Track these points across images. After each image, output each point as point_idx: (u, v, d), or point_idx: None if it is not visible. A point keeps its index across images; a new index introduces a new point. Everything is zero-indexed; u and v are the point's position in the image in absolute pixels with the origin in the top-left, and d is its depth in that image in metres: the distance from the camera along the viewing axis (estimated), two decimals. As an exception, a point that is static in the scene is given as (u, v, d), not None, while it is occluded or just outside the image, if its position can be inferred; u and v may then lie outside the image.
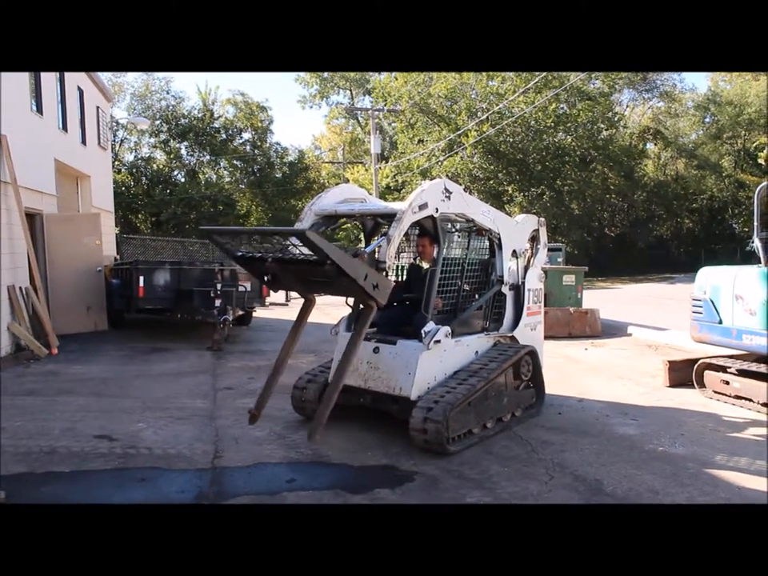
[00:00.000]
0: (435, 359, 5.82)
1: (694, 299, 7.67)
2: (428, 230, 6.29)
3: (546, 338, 11.54)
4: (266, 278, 5.51)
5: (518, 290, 6.95)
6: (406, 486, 4.82)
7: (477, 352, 6.36)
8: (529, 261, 7.21)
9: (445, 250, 6.20)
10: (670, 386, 7.92)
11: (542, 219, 7.45)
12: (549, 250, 22.32)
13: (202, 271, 12.24)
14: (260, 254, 5.43)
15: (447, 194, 5.81)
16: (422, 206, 5.56)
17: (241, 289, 11.54)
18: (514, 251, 6.87)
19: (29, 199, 11.20)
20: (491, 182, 32.52)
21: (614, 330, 12.72)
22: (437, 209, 5.71)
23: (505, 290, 6.78)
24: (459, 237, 6.74)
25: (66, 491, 4.77)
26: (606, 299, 17.54)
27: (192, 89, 60.51)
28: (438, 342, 5.73)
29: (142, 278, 11.53)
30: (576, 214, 34.23)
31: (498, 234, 6.62)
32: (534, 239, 7.30)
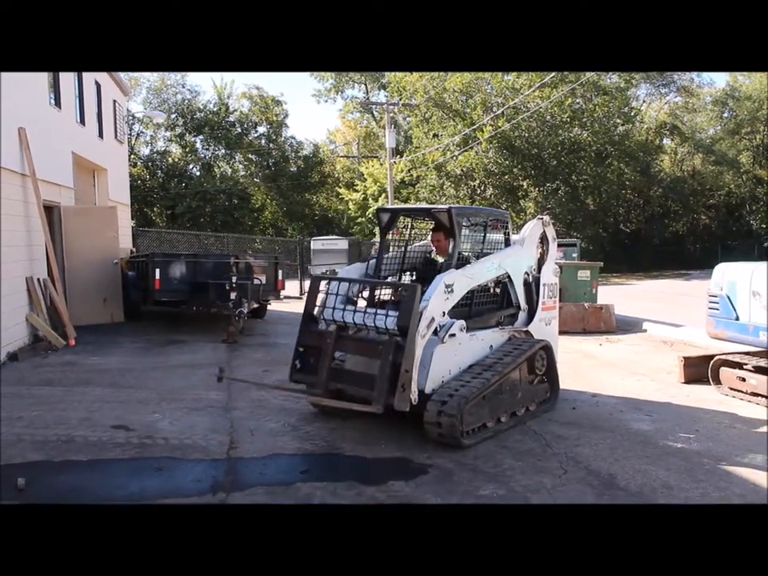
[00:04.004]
0: (450, 353, 5.82)
1: (710, 295, 7.63)
2: (443, 224, 6.31)
3: (561, 333, 11.49)
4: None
5: (530, 286, 6.91)
6: (420, 479, 4.85)
7: (491, 346, 6.36)
8: (542, 257, 7.18)
9: (460, 244, 6.22)
10: (685, 383, 7.89)
11: (546, 218, 7.29)
12: (564, 245, 22.20)
13: (217, 264, 12.28)
14: None
15: (449, 290, 5.74)
16: (430, 324, 5.50)
17: (256, 282, 11.59)
18: (525, 272, 6.85)
19: (47, 192, 11.30)
20: (506, 177, 32.40)
21: (628, 325, 12.66)
22: (443, 312, 5.68)
23: (520, 291, 6.77)
24: (474, 231, 6.74)
25: (84, 479, 4.84)
26: (620, 295, 17.44)
27: (207, 83, 60.71)
28: (453, 335, 5.74)
29: (158, 271, 11.59)
30: (591, 210, 34.04)
31: (508, 274, 6.62)
32: (542, 239, 7.21)
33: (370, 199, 34.33)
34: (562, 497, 4.52)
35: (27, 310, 10.18)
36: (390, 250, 7.08)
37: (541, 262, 7.14)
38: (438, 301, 5.60)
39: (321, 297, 6.05)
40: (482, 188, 33.15)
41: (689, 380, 7.90)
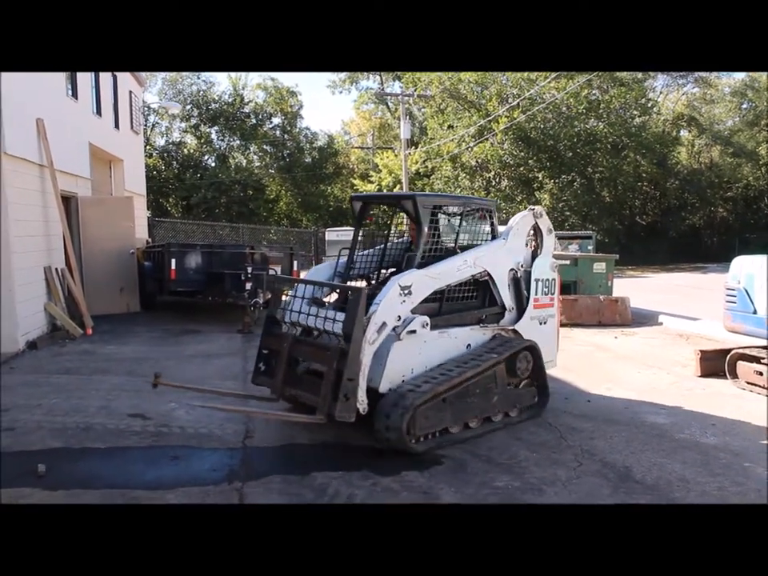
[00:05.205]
0: (412, 350, 5.47)
1: (727, 288, 7.56)
2: (410, 214, 5.97)
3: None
4: None
5: (518, 282, 6.35)
6: (434, 470, 4.87)
7: (469, 345, 5.97)
8: (535, 250, 6.64)
9: (434, 235, 5.91)
10: (701, 376, 7.84)
11: (537, 210, 6.62)
12: (579, 237, 21.94)
13: (232, 254, 12.35)
14: None
15: (406, 292, 5.34)
16: (381, 328, 5.16)
17: (271, 272, 11.63)
18: (512, 269, 6.31)
19: (64, 182, 11.39)
20: (521, 169, 32.21)
21: (644, 318, 12.59)
22: (399, 317, 5.30)
23: (503, 290, 6.27)
24: (450, 220, 6.39)
25: (102, 467, 4.90)
26: (636, 288, 17.35)
27: (223, 74, 60.63)
28: (413, 332, 5.38)
29: (173, 261, 11.67)
30: (607, 202, 33.79)
31: (487, 272, 6.10)
32: (535, 231, 6.63)
33: (384, 190, 34.30)
34: (577, 489, 4.53)
35: (45, 300, 10.28)
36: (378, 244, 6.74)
37: (534, 256, 6.58)
38: (389, 305, 5.23)
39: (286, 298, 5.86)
40: (497, 180, 32.98)
41: (705, 374, 7.85)
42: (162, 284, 12.38)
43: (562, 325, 11.38)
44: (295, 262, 13.09)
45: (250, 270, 11.13)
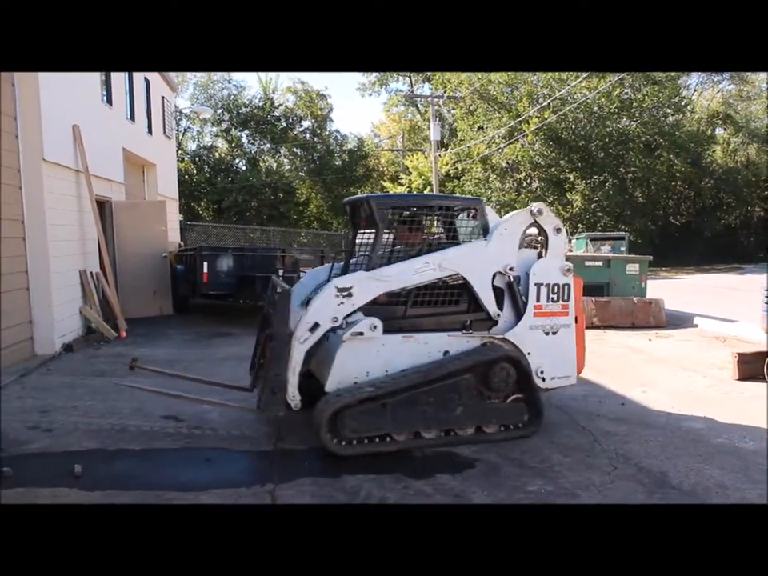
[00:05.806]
0: (367, 353, 5.29)
1: (766, 290, 7.41)
2: (367, 215, 5.81)
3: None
4: None
5: (512, 287, 5.76)
6: (466, 473, 4.84)
7: (447, 352, 5.55)
8: (540, 252, 6.03)
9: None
10: (738, 380, 7.67)
11: (536, 207, 5.86)
12: (612, 238, 21.68)
13: (263, 257, 12.45)
14: None
15: (344, 293, 5.26)
16: (313, 328, 5.20)
17: (302, 275, 11.68)
18: (499, 272, 5.71)
19: (99, 187, 11.57)
20: (552, 170, 31.94)
21: (679, 320, 12.38)
22: (335, 318, 5.24)
23: (484, 294, 5.71)
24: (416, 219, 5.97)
25: (137, 468, 4.96)
26: (670, 289, 17.08)
27: (253, 77, 61.07)
28: (361, 334, 5.20)
29: (205, 264, 11.80)
30: (640, 202, 33.33)
31: (460, 275, 5.64)
32: (540, 231, 5.96)
33: (414, 192, 34.25)
34: (612, 494, 4.46)
35: (81, 303, 10.46)
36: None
37: (540, 254, 5.98)
38: (323, 305, 5.23)
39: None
40: (528, 181, 32.78)
41: (743, 377, 7.68)
42: (195, 287, 12.53)
43: (595, 327, 11.30)
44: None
45: (281, 272, 11.19)
